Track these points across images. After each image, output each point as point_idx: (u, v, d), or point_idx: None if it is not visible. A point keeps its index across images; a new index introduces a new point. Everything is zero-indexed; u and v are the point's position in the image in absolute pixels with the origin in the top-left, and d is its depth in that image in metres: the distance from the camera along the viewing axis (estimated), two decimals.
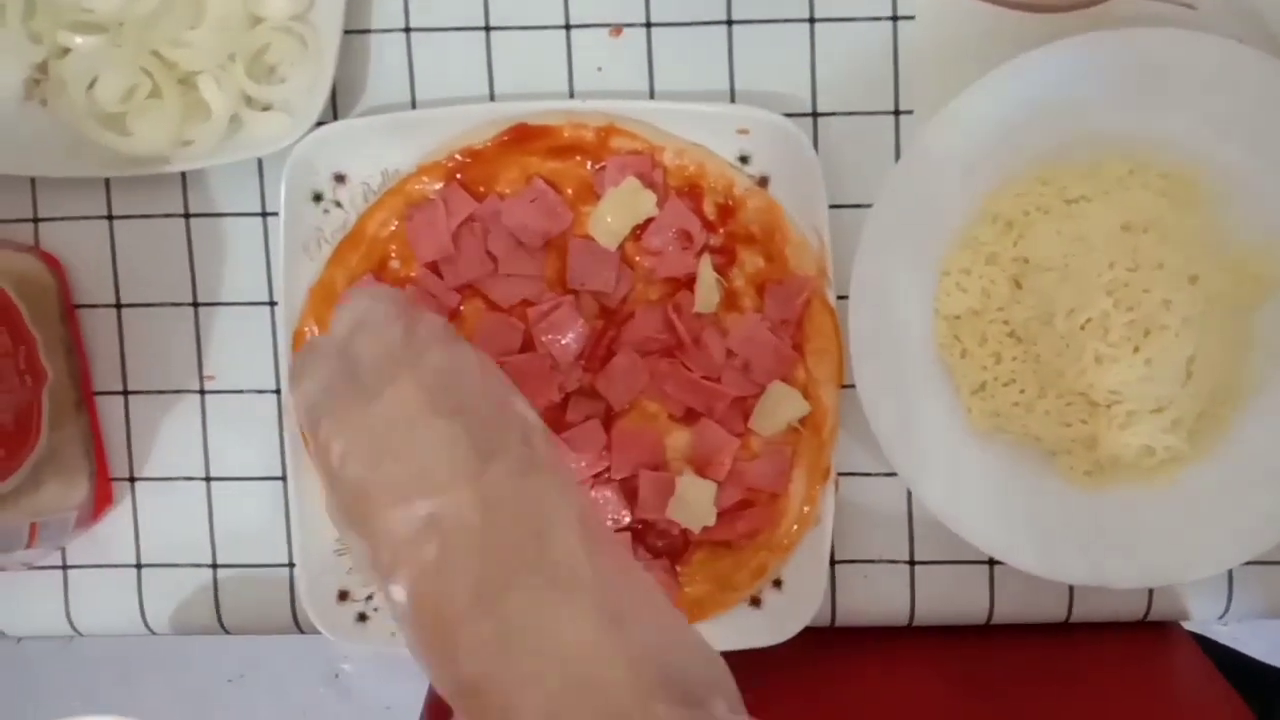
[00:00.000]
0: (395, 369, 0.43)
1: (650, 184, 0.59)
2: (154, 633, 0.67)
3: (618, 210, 0.59)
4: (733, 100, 0.61)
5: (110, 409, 0.65)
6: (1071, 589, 0.63)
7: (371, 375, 0.44)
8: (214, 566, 0.65)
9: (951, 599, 0.63)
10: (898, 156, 0.62)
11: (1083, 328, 0.57)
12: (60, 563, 0.66)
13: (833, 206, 0.60)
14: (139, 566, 0.66)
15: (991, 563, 0.63)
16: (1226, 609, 0.63)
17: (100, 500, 0.64)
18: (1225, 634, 0.71)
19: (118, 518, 0.65)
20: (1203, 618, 0.64)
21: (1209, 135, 0.57)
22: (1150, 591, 0.63)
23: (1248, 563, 0.59)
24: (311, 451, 0.45)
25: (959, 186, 0.59)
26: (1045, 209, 0.59)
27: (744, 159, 0.60)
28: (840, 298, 0.60)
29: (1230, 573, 0.63)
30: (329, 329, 0.48)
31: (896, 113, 0.61)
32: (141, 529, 0.66)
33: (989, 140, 0.58)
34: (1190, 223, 0.57)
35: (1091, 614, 0.63)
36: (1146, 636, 0.64)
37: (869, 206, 0.61)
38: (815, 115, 0.62)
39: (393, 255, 0.61)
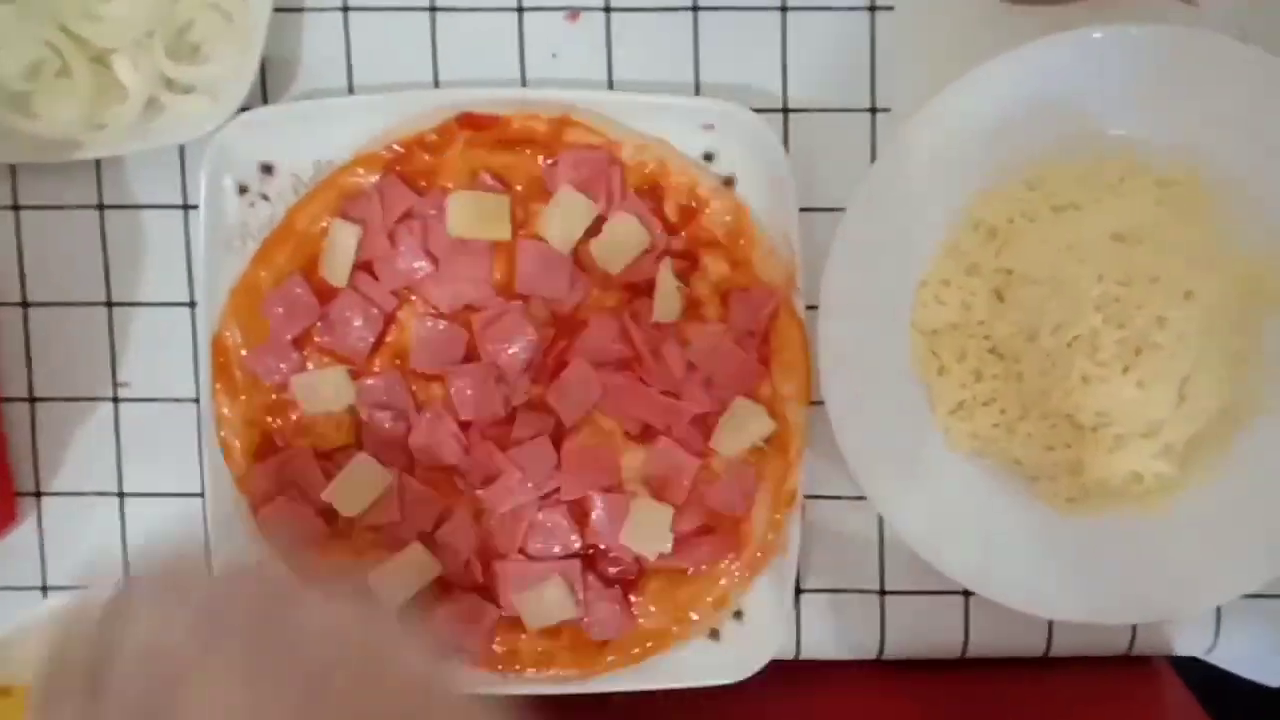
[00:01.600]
0: None
1: (607, 182, 0.55)
2: None
3: (570, 210, 0.55)
4: (697, 93, 0.57)
5: (15, 417, 0.60)
6: (1051, 622, 0.59)
7: None
8: None
9: (924, 631, 0.60)
10: (873, 157, 0.58)
11: (1069, 345, 0.53)
12: None
13: (803, 210, 0.56)
14: (44, 589, 0.60)
15: (966, 593, 0.59)
16: (1214, 643, 0.60)
17: (2, 517, 0.58)
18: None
19: (22, 536, 0.60)
20: (1188, 652, 0.60)
21: (1209, 139, 0.53)
22: (1134, 625, 0.60)
23: None
24: None
25: (939, 191, 0.55)
26: (1031, 216, 0.55)
27: (709, 157, 0.56)
28: (810, 308, 0.56)
29: (1219, 606, 0.59)
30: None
31: (873, 110, 0.57)
32: (48, 548, 0.60)
33: (972, 141, 0.54)
34: (1188, 233, 0.53)
35: (1072, 648, 0.60)
36: (1129, 672, 0.61)
37: (842, 210, 0.57)
38: (786, 111, 0.57)
39: (323, 254, 0.56)
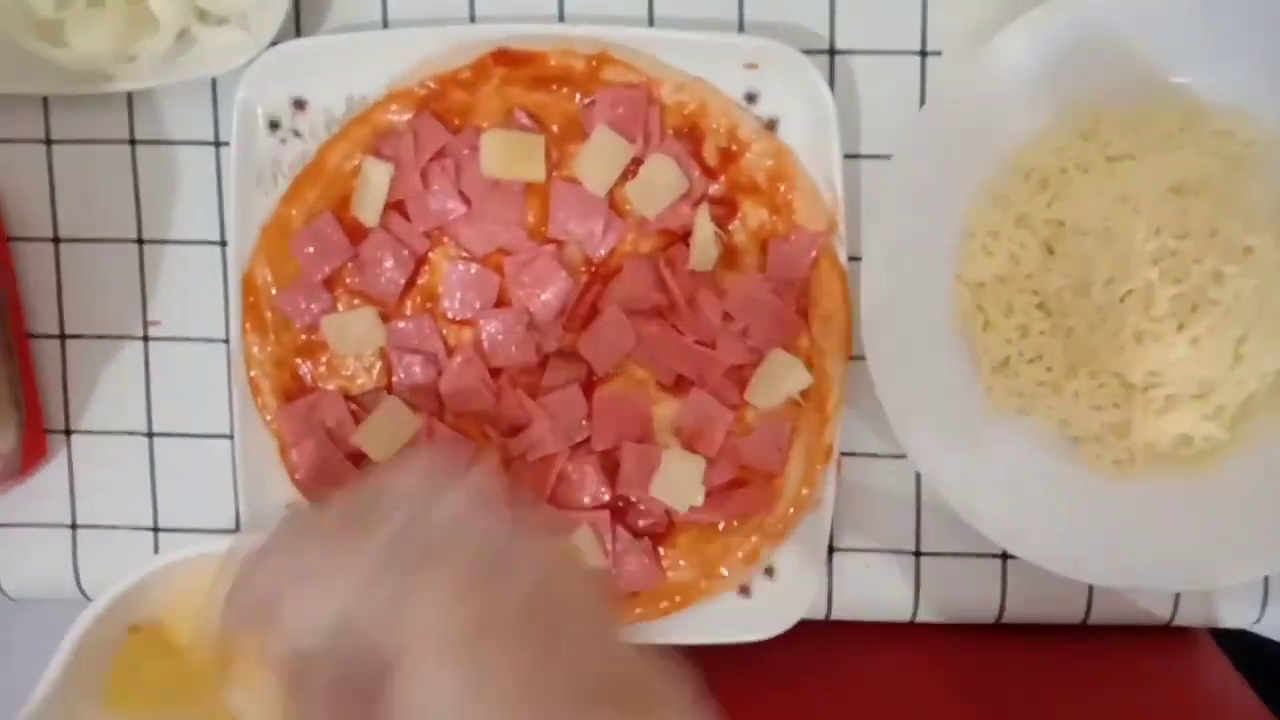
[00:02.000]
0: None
1: (645, 122, 0.53)
2: (89, 599, 0.61)
3: (606, 152, 0.53)
4: (741, 30, 0.55)
5: (45, 353, 0.59)
6: (1091, 589, 0.58)
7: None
8: (155, 530, 0.60)
9: (959, 594, 0.58)
10: (923, 102, 0.56)
11: (1122, 300, 0.51)
12: None
13: (848, 156, 0.55)
14: (74, 527, 0.60)
15: (1004, 556, 0.58)
16: (1260, 616, 0.58)
17: (30, 453, 0.58)
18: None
19: (51, 473, 0.60)
20: (1234, 623, 0.59)
21: (1273, 88, 0.51)
22: (1177, 594, 0.58)
23: None
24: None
25: (989, 138, 0.53)
26: (1084, 166, 0.53)
27: (751, 98, 0.54)
28: (852, 259, 0.55)
29: (1266, 576, 0.57)
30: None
31: (923, 53, 0.55)
32: (77, 486, 0.60)
33: (1024, 87, 0.52)
34: (1248, 187, 0.51)
35: (1112, 616, 0.58)
36: (1170, 643, 0.59)
37: (888, 157, 0.55)
38: (832, 52, 0.55)
39: (355, 192, 0.54)
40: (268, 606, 0.35)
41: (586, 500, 0.55)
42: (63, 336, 0.59)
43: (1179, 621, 0.58)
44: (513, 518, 0.37)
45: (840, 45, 0.55)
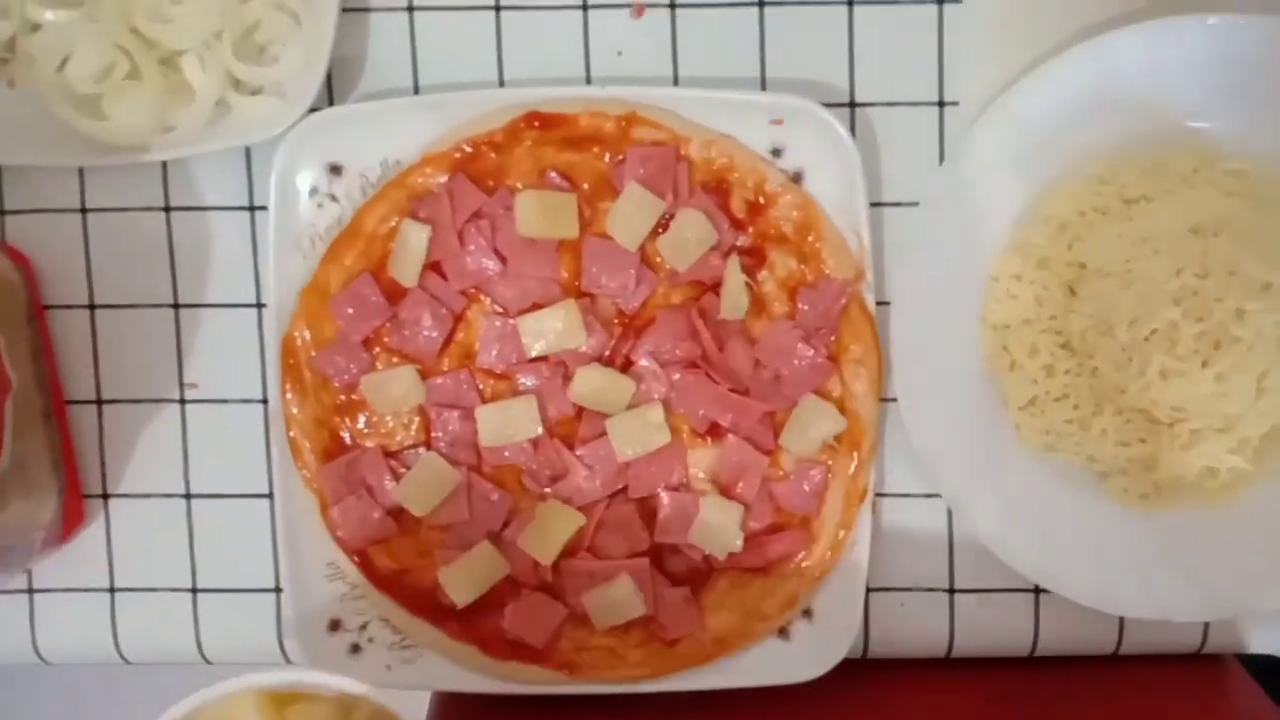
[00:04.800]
0: None
1: (674, 178, 0.55)
2: (128, 661, 0.61)
3: (637, 207, 0.54)
4: (764, 88, 0.57)
5: (82, 419, 0.60)
6: (1122, 619, 0.59)
7: None
8: (194, 591, 0.60)
9: (993, 629, 0.59)
10: (941, 150, 0.57)
11: (1147, 339, 0.52)
12: (26, 586, 0.60)
13: (873, 204, 0.56)
14: (112, 590, 0.60)
15: (1037, 590, 0.59)
16: None
17: (70, 519, 0.58)
18: None
19: (89, 537, 0.60)
20: (1264, 649, 0.60)
21: None
22: (1206, 622, 0.59)
23: None
24: None
25: (1009, 185, 0.55)
26: (1103, 209, 0.54)
27: (776, 152, 0.55)
28: (880, 304, 0.56)
29: None
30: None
31: (941, 104, 0.57)
32: (115, 550, 0.60)
33: (1043, 135, 0.54)
34: (1266, 225, 0.53)
35: (1143, 645, 0.59)
36: (1201, 670, 0.60)
37: (911, 205, 0.57)
38: (853, 105, 0.57)
39: (392, 254, 0.55)
40: None
41: (625, 548, 0.56)
42: (99, 402, 0.60)
43: (1210, 648, 0.59)
44: None
45: (860, 98, 0.57)
